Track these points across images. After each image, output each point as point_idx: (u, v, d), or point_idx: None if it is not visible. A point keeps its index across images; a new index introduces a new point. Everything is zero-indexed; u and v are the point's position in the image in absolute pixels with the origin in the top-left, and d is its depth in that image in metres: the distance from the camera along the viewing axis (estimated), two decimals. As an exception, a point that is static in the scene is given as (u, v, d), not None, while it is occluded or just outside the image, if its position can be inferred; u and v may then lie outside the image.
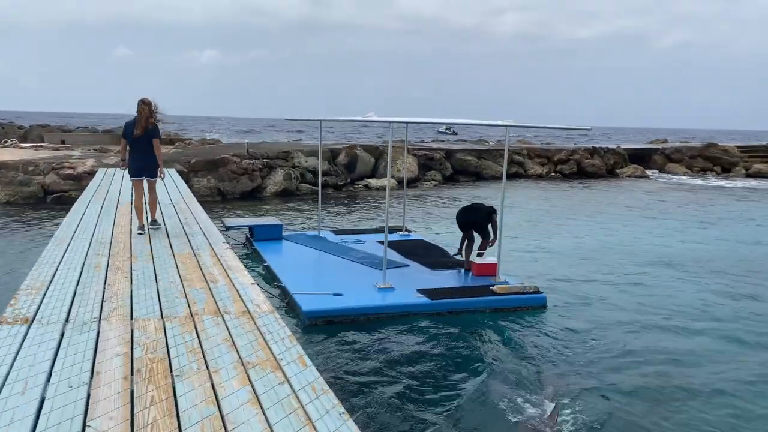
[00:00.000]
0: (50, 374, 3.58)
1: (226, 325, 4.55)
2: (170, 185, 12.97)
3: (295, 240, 10.90)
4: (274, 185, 20.06)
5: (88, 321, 4.50)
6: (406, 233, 11.85)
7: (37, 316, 4.56)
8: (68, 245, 7.04)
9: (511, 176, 27.86)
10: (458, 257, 9.48)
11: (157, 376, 3.60)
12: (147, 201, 8.20)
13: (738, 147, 37.54)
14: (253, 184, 19.74)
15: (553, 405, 5.51)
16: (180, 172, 16.94)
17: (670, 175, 32.69)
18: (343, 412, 3.22)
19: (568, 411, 5.47)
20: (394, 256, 9.70)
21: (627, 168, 32.03)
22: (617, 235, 14.49)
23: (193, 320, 4.64)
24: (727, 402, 5.74)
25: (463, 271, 9.14)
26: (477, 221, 9.09)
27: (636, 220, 16.84)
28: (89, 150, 24.04)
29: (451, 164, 26.34)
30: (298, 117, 13.68)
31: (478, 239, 9.28)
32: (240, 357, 3.95)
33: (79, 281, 5.56)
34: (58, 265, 6.08)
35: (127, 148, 8.03)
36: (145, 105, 7.76)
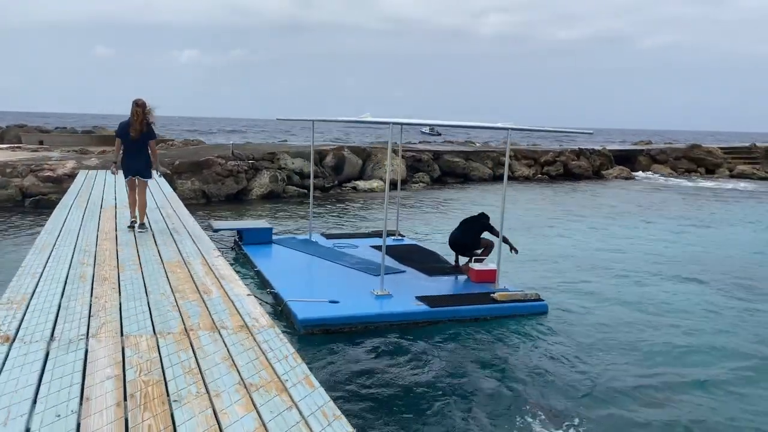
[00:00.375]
0: (35, 401, 3.27)
1: (224, 342, 4.26)
2: (155, 188, 12.58)
3: (285, 244, 10.59)
4: (260, 187, 19.70)
5: (75, 339, 4.18)
6: (400, 238, 11.59)
7: (19, 334, 4.22)
8: (50, 253, 6.68)
9: (499, 178, 27.76)
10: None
11: (153, 402, 3.30)
12: (137, 204, 8.21)
13: (721, 148, 37.88)
14: (238, 186, 19.37)
15: (559, 421, 5.31)
16: (163, 174, 16.51)
17: (657, 175, 32.82)
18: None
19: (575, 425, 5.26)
20: (389, 261, 9.41)
21: (613, 169, 32.12)
22: (611, 237, 14.38)
23: (189, 336, 4.34)
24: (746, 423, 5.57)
25: (461, 277, 8.91)
26: (469, 242, 8.90)
27: (628, 222, 16.77)
28: (69, 151, 23.45)
29: (438, 166, 26.16)
30: (290, 117, 13.33)
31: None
32: (242, 378, 3.67)
33: (63, 293, 5.22)
34: (41, 276, 5.73)
35: (121, 148, 8.06)
36: (138, 107, 7.78)
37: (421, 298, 7.63)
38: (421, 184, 24.42)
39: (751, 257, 12.52)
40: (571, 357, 6.62)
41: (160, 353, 4.00)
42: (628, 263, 11.44)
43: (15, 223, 13.89)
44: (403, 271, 9.10)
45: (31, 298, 5.03)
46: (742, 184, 29.37)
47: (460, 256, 9.29)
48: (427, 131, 64.01)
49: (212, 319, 4.74)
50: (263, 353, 4.08)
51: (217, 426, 3.07)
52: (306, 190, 20.62)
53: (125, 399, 3.33)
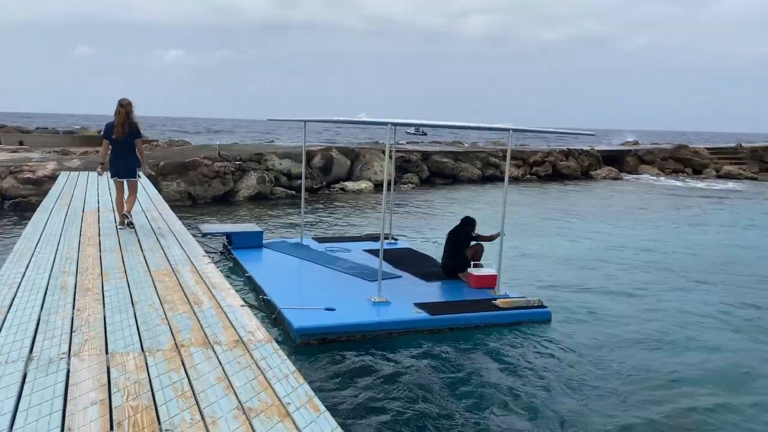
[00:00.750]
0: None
1: (218, 360, 3.93)
2: (139, 190, 12.16)
3: (276, 248, 10.24)
4: (248, 189, 19.32)
5: (55, 358, 3.83)
6: (393, 241, 11.28)
7: (-6, 353, 3.87)
8: (29, 261, 6.30)
9: (488, 179, 27.61)
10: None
11: (142, 432, 2.98)
12: (126, 200, 8.26)
13: (707, 149, 38.05)
14: (225, 187, 18.97)
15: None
16: (148, 176, 16.07)
17: (647, 176, 32.85)
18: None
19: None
20: (383, 266, 9.12)
21: (601, 170, 32.11)
22: (605, 238, 14.20)
23: (180, 354, 4.00)
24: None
25: (459, 282, 8.62)
26: (459, 263, 8.69)
27: (624, 224, 16.64)
28: (50, 152, 22.87)
29: (427, 166, 25.91)
30: (281, 117, 12.97)
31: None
32: (240, 402, 3.35)
33: (43, 306, 4.86)
34: (18, 286, 5.36)
35: (109, 149, 8.11)
36: (122, 107, 7.79)
37: (420, 305, 7.34)
38: (410, 185, 24.16)
39: (759, 261, 12.30)
40: (580, 371, 6.31)
41: (149, 374, 3.67)
42: (629, 266, 11.25)
43: (-7, 227, 13.41)
44: (399, 276, 8.81)
45: (7, 312, 4.67)
46: (732, 185, 29.46)
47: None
48: (413, 131, 63.58)
49: (205, 333, 4.41)
50: (262, 372, 3.77)
51: (215, 460, 2.76)
52: (294, 192, 20.29)
53: (111, 428, 3.01)
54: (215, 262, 7.48)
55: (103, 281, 5.66)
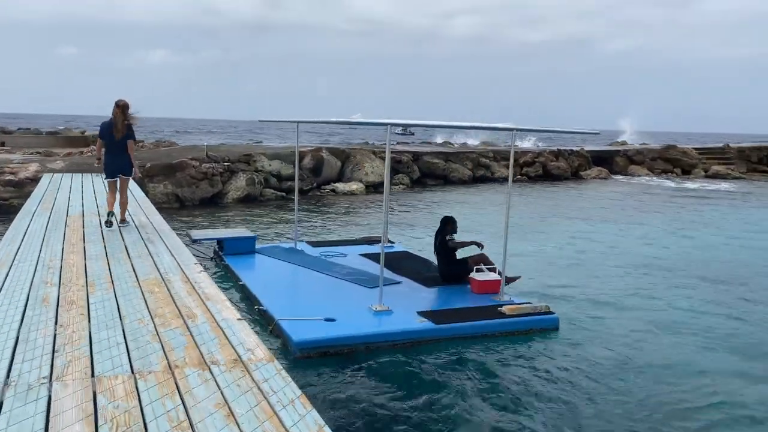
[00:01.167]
0: (-18, 475, 2.57)
1: (216, 383, 3.58)
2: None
3: (270, 254, 9.84)
4: (237, 191, 18.89)
5: (35, 383, 3.46)
6: (390, 244, 10.93)
7: (-33, 378, 3.49)
8: (9, 271, 5.90)
9: (478, 179, 27.36)
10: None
11: (134, 473, 2.62)
12: (118, 201, 8.43)
13: (695, 149, 38.13)
14: (213, 189, 18.53)
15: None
16: (136, 179, 15.63)
17: (639, 176, 32.76)
18: None
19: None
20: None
21: (591, 170, 31.99)
22: (601, 239, 13.97)
23: (174, 376, 3.65)
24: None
25: (460, 287, 8.29)
26: (455, 272, 8.40)
27: (622, 225, 16.41)
28: (32, 153, 22.26)
29: (418, 167, 25.61)
30: (272, 118, 12.59)
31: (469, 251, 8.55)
32: (243, 434, 3.00)
33: (22, 321, 4.48)
34: (-4, 299, 4.97)
35: (103, 149, 8.33)
36: (119, 108, 8.08)
37: (423, 314, 7.01)
38: (401, 186, 23.84)
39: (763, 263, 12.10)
40: (592, 383, 6.01)
41: (140, 400, 3.31)
42: (631, 268, 11.00)
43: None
44: (399, 282, 8.47)
45: (-17, 329, 4.28)
46: (725, 185, 29.43)
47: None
48: (401, 131, 63.16)
49: (200, 351, 4.05)
50: (265, 397, 3.42)
51: (219, 508, 2.41)
52: (284, 193, 19.90)
53: (99, 469, 2.65)
54: (206, 270, 7.10)
55: (88, 293, 5.28)
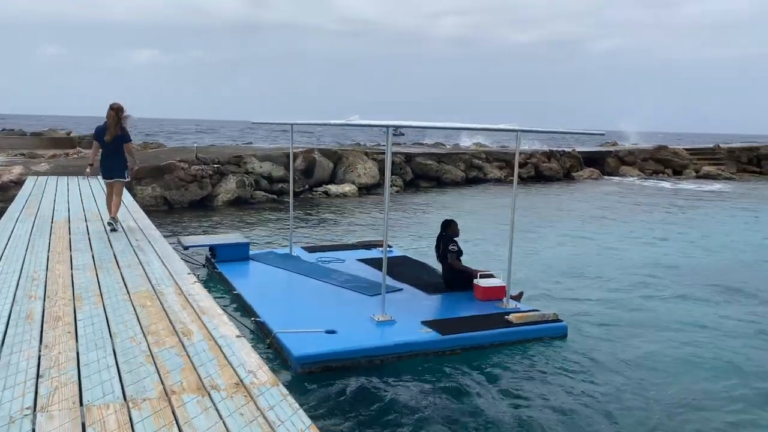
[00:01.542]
0: None
1: (217, 411, 3.27)
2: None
3: (264, 260, 9.49)
4: (227, 193, 18.51)
5: (17, 415, 3.13)
6: (388, 249, 10.61)
7: (-59, 410, 3.16)
8: (-10, 283, 5.54)
9: (471, 180, 27.13)
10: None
11: None
12: (112, 202, 8.52)
13: (686, 149, 38.17)
14: (203, 192, 18.14)
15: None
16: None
17: (630, 177, 32.68)
18: None
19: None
20: (380, 277, 8.49)
21: (583, 171, 31.89)
22: (599, 241, 13.77)
23: (171, 404, 3.33)
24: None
25: (463, 294, 8.00)
26: (459, 282, 8.13)
27: (620, 226, 16.23)
28: (16, 155, 21.73)
29: (411, 169, 25.34)
30: (267, 120, 12.23)
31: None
32: (250, 473, 2.70)
33: (3, 342, 4.14)
34: (-25, 316, 4.62)
35: (99, 150, 8.45)
36: (113, 111, 8.15)
37: (428, 323, 6.72)
38: (394, 187, 23.53)
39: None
40: (607, 397, 5.77)
41: (134, 434, 2.99)
42: (633, 270, 10.79)
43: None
44: (400, 289, 8.17)
45: (-40, 351, 3.94)
46: (718, 186, 29.39)
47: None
48: (392, 132, 62.80)
49: (198, 374, 3.74)
50: (272, 428, 3.11)
51: None
52: (276, 195, 19.55)
53: None
54: (198, 278, 6.77)
55: (75, 307, 4.94)
